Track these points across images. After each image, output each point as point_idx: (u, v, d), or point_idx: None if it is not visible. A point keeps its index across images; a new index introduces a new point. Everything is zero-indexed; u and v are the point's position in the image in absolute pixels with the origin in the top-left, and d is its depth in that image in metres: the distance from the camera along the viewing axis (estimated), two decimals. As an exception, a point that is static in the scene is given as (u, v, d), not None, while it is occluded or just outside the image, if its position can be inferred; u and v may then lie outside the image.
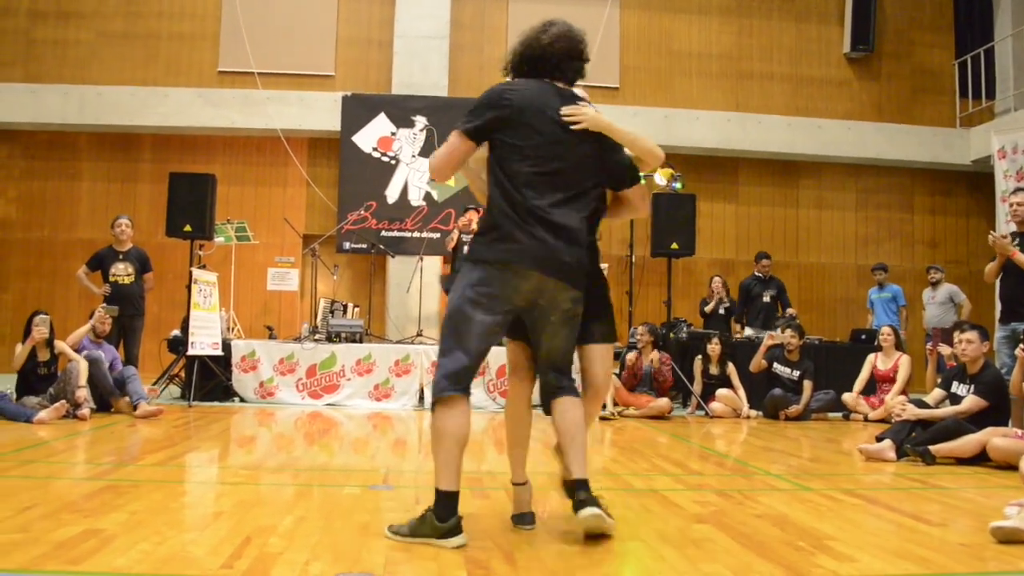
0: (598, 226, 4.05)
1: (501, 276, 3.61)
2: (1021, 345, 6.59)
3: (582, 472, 3.74)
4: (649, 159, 4.04)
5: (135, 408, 8.19)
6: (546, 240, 3.62)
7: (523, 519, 3.98)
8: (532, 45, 4.13)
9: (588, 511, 3.59)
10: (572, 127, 3.76)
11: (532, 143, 3.71)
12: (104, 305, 9.05)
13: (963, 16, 15.50)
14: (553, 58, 4.05)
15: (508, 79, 4.14)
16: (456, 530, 3.53)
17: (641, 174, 4.07)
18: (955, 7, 15.57)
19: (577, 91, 4.02)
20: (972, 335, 6.87)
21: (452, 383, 3.60)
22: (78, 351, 8.33)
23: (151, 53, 14.13)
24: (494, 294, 3.62)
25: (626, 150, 4.02)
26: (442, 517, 3.53)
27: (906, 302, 12.41)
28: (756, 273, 12.16)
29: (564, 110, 3.79)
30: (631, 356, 9.83)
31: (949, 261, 14.69)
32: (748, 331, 11.72)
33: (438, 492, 3.57)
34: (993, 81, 14.92)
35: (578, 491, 3.69)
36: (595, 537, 3.67)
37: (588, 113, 3.82)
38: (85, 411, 7.77)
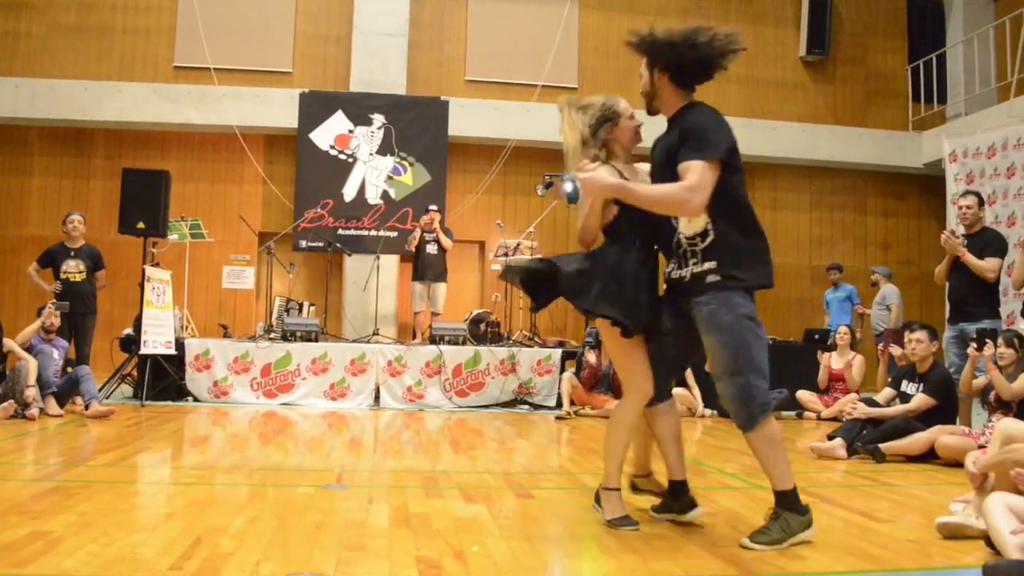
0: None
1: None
2: (972, 344, 6.70)
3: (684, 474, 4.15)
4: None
5: (87, 408, 8.08)
6: None
7: (624, 521, 4.03)
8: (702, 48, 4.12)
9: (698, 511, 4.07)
10: None
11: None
12: (54, 301, 8.92)
13: (916, 22, 15.75)
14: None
15: (691, 94, 4.15)
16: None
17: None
18: (908, 13, 15.80)
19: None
20: (921, 335, 6.98)
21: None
22: (29, 349, 8.20)
23: (105, 47, 13.92)
24: None
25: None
26: (801, 511, 3.75)
27: (860, 301, 12.57)
28: None
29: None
30: (591, 356, 9.84)
31: (901, 262, 14.91)
32: None
33: (785, 493, 3.78)
34: (945, 86, 15.16)
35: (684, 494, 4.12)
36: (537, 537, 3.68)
37: None
38: (34, 411, 7.65)
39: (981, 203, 7.83)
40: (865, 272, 13.73)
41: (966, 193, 8.04)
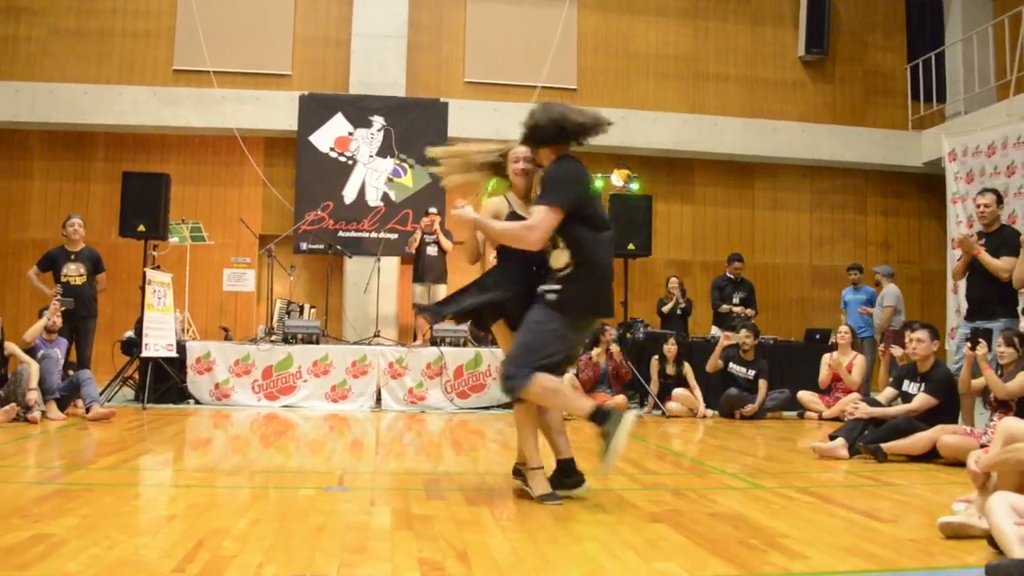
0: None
1: None
2: (968, 344, 6.70)
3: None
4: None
5: (87, 411, 8.09)
6: None
7: (551, 496, 4.63)
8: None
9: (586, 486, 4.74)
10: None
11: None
12: (58, 297, 8.91)
13: (915, 20, 15.75)
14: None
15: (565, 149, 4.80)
16: None
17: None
18: (907, 11, 15.81)
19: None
20: (922, 334, 6.97)
21: None
22: (32, 350, 8.21)
23: (105, 50, 13.93)
24: None
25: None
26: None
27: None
28: (728, 274, 12.23)
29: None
30: (589, 356, 9.83)
31: (901, 261, 14.91)
32: (715, 330, 11.74)
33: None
34: (944, 85, 15.16)
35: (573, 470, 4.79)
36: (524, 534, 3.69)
37: None
38: (36, 414, 7.66)
39: (999, 200, 7.80)
40: (866, 273, 13.73)
41: (984, 191, 8.01)
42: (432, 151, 5.08)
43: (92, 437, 7.06)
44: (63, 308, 8.70)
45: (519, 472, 4.86)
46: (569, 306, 4.55)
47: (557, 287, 4.56)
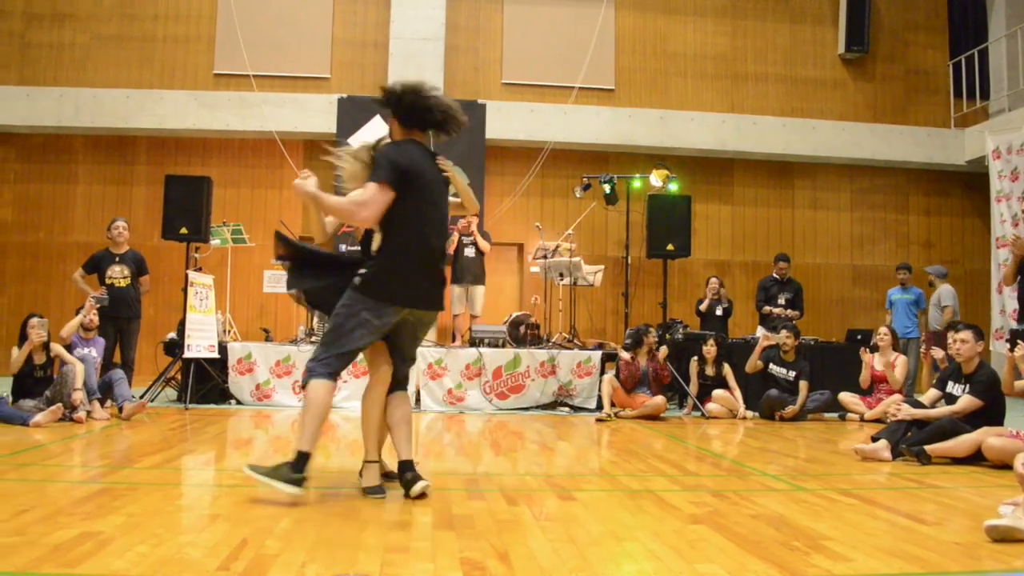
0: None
1: None
2: (1007, 346, 6.60)
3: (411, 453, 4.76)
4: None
5: (120, 411, 8.20)
6: None
7: (376, 490, 4.66)
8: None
9: (421, 484, 4.57)
10: None
11: None
12: (93, 294, 9.03)
13: (957, 17, 15.56)
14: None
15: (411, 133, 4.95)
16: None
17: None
18: (949, 8, 15.62)
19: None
20: (967, 335, 6.87)
21: None
22: (68, 349, 8.32)
23: (146, 56, 14.13)
24: None
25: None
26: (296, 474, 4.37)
27: (926, 306, 12.29)
28: (774, 275, 12.12)
29: None
30: (632, 357, 9.80)
31: (944, 261, 14.72)
32: (760, 331, 11.63)
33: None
34: (987, 82, 14.97)
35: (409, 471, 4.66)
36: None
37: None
38: (81, 414, 7.77)
39: None
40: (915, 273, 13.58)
41: None
42: (336, 151, 4.95)
43: (136, 437, 7.15)
44: (98, 306, 8.82)
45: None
46: (369, 289, 4.53)
47: (364, 270, 4.58)
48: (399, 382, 4.91)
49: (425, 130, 4.86)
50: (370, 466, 4.75)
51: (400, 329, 4.76)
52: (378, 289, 4.55)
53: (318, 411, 4.47)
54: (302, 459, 4.38)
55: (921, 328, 11.88)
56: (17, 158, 14.10)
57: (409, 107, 4.78)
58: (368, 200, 4.44)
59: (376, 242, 4.62)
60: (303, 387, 4.59)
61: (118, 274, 9.70)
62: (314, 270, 4.96)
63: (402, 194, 4.53)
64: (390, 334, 4.74)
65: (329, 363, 4.51)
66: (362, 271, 4.58)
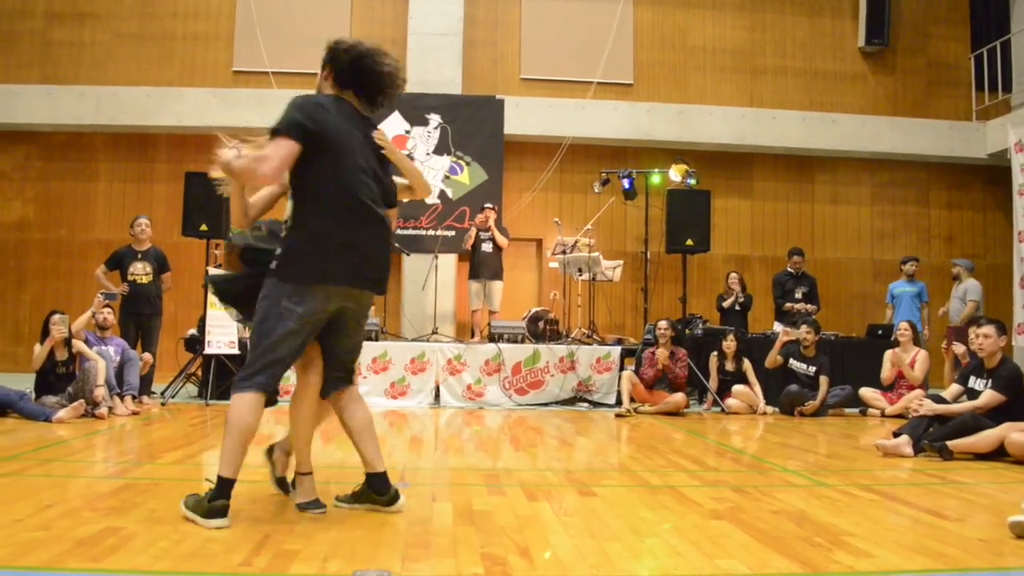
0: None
1: None
2: None
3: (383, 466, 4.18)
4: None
5: (122, 398, 8.31)
6: None
7: (313, 504, 4.13)
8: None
9: (402, 501, 4.13)
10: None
11: None
12: (102, 291, 9.09)
13: (979, 9, 15.41)
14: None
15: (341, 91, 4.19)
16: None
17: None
18: (971, 0, 15.48)
19: None
20: (989, 329, 6.83)
21: None
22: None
23: (166, 53, 14.20)
24: None
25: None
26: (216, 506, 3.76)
27: (929, 299, 12.20)
28: (788, 269, 12.05)
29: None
30: (652, 352, 9.79)
31: (966, 255, 14.58)
32: (777, 327, 11.56)
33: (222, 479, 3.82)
34: (1010, 74, 14.81)
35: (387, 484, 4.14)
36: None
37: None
38: (103, 410, 7.83)
39: None
40: (929, 267, 13.50)
41: None
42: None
43: (157, 433, 7.20)
44: (106, 303, 8.87)
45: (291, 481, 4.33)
46: (286, 271, 3.84)
47: (279, 248, 3.91)
48: (341, 378, 4.24)
49: (361, 96, 4.08)
50: (304, 479, 4.18)
51: (336, 323, 4.07)
52: (297, 267, 3.85)
53: (239, 431, 3.80)
54: (223, 486, 3.77)
55: (923, 322, 11.74)
56: (39, 156, 14.19)
57: (353, 64, 4.02)
58: (270, 155, 3.70)
59: (287, 209, 3.96)
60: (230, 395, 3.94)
61: (140, 271, 9.76)
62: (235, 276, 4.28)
63: (314, 152, 3.80)
64: (324, 332, 4.09)
65: (255, 373, 3.85)
66: (277, 251, 3.89)
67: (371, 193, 3.98)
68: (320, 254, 3.85)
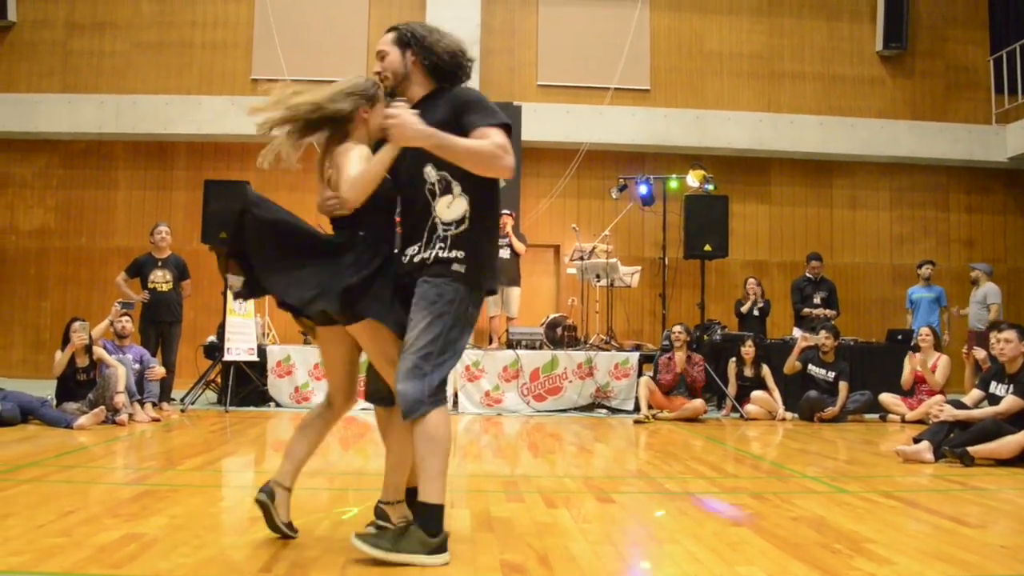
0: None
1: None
2: None
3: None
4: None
5: (142, 405, 8.35)
6: None
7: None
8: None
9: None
10: None
11: None
12: (119, 300, 9.15)
13: (998, 11, 15.31)
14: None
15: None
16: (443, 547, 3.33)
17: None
18: (990, 2, 15.39)
19: None
20: (1010, 334, 6.78)
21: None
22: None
23: (185, 62, 14.29)
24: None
25: None
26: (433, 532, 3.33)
27: (947, 303, 12.11)
28: (807, 274, 11.98)
29: None
30: (669, 358, 9.77)
31: (986, 259, 14.50)
32: (796, 332, 11.49)
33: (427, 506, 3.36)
34: (1030, 77, 14.73)
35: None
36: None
37: None
38: (124, 417, 7.86)
39: None
40: (949, 271, 13.40)
41: None
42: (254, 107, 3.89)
43: (177, 439, 7.23)
44: (123, 311, 8.92)
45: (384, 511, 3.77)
46: (475, 277, 3.49)
47: (460, 252, 3.46)
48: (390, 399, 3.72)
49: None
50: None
51: None
52: (483, 275, 3.55)
53: (445, 449, 3.41)
54: (436, 515, 3.37)
55: (943, 326, 11.66)
56: (60, 164, 14.31)
57: (454, 59, 3.75)
58: (509, 146, 3.40)
59: (457, 209, 3.49)
60: (415, 416, 3.34)
61: (160, 279, 9.81)
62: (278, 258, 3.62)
63: None
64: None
65: (442, 385, 3.45)
66: (456, 255, 3.44)
67: None
68: (491, 266, 3.66)
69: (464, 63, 3.75)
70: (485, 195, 3.54)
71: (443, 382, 3.43)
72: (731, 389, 10.12)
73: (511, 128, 3.50)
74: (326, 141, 3.83)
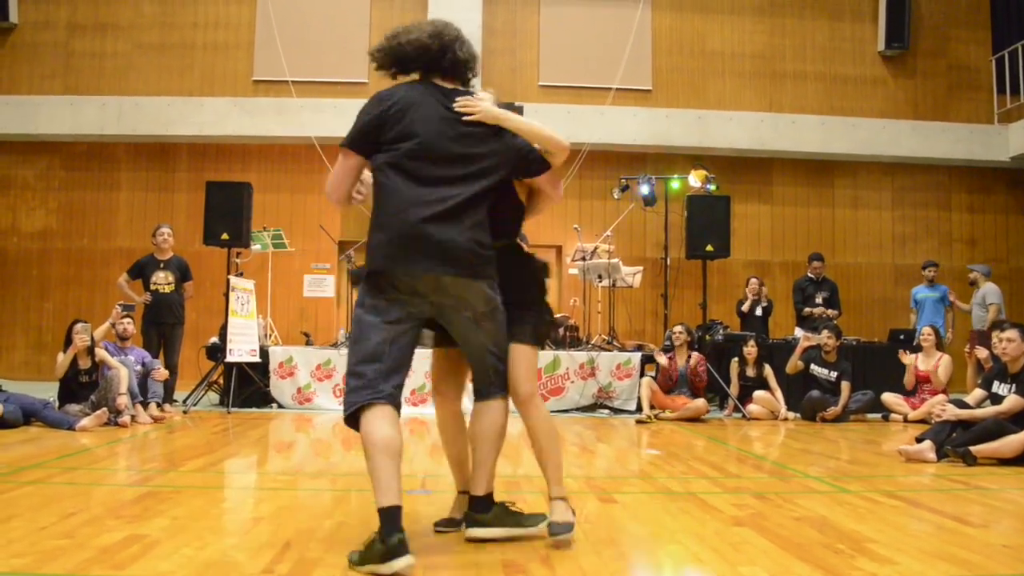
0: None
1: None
2: None
3: (478, 489, 3.78)
4: None
5: (145, 407, 8.36)
6: None
7: (451, 523, 3.91)
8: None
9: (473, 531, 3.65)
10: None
11: None
12: (121, 302, 9.16)
13: (1000, 11, 15.31)
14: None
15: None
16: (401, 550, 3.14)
17: None
18: (992, 2, 15.39)
19: None
20: (1012, 334, 6.78)
21: None
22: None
23: (186, 63, 14.31)
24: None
25: None
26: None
27: (951, 303, 12.14)
28: (809, 275, 11.98)
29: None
30: (664, 359, 9.77)
31: (988, 259, 14.50)
32: (798, 332, 11.49)
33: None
34: (1032, 76, 14.73)
35: (471, 510, 3.73)
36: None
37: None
38: (126, 418, 7.86)
39: None
40: (951, 271, 13.38)
41: None
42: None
43: (180, 441, 7.23)
44: (124, 313, 8.92)
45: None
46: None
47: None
48: (477, 391, 4.20)
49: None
50: (459, 497, 4.01)
51: (446, 319, 3.91)
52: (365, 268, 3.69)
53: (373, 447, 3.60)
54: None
55: (947, 326, 11.67)
56: (62, 166, 14.33)
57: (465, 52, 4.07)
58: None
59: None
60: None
61: (162, 280, 9.82)
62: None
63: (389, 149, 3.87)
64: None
65: (359, 389, 3.63)
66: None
67: None
68: (375, 250, 3.71)
69: (444, 46, 4.04)
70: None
71: None
72: (733, 389, 10.11)
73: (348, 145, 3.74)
74: None
